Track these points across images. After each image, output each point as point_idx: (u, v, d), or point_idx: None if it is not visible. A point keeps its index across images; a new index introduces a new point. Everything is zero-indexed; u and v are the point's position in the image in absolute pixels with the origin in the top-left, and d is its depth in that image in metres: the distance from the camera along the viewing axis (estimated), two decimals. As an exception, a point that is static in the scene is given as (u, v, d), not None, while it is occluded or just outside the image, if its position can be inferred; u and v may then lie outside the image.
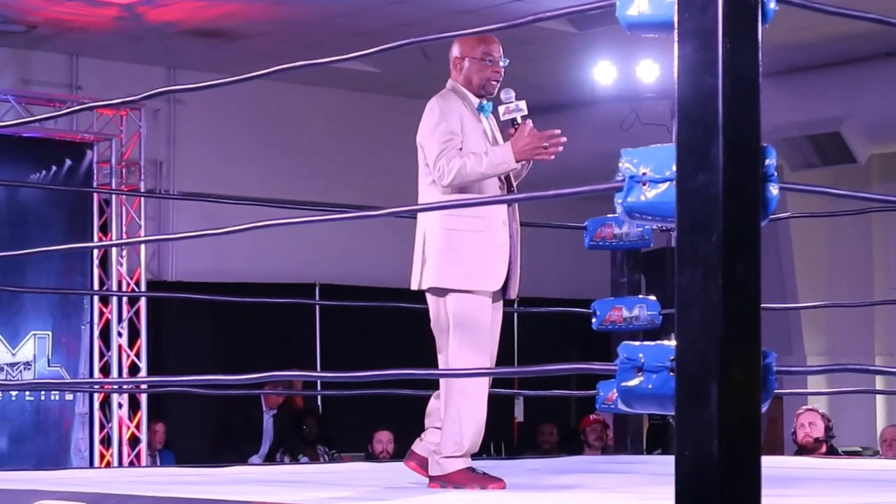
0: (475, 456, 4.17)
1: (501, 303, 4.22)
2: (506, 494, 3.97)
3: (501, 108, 4.20)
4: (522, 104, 4.18)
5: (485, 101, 4.23)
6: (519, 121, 4.18)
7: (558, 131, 4.12)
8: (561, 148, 4.12)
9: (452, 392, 4.04)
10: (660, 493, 3.21)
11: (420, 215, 4.21)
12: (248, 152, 10.63)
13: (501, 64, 4.21)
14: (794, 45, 9.53)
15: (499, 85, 4.23)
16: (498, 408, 10.42)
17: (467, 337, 4.05)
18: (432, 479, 4.10)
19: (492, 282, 4.12)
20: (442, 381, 4.13)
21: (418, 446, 4.25)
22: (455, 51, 4.21)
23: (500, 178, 4.18)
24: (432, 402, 4.25)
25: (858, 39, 9.53)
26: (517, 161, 4.08)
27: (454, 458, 4.05)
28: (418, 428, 4.30)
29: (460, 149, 4.07)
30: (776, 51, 9.36)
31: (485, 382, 4.12)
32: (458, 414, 4.03)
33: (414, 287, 4.18)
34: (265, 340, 10.01)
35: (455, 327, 4.06)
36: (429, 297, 4.17)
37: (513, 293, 4.21)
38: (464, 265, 4.07)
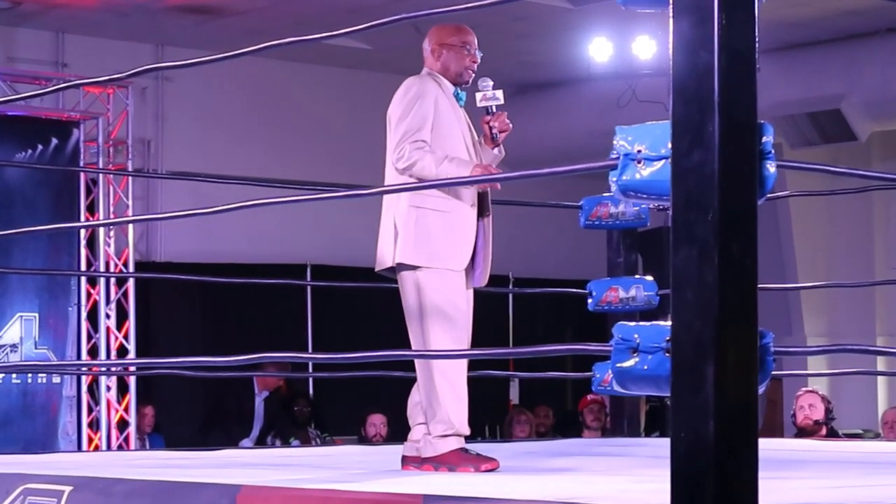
0: (469, 438, 4.15)
1: (472, 291, 4.21)
2: (498, 476, 3.93)
3: (478, 95, 4.25)
4: (499, 93, 4.25)
5: (460, 90, 4.26)
6: (494, 110, 4.24)
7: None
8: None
9: (433, 374, 4.04)
10: (656, 476, 3.15)
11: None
12: (238, 131, 10.54)
13: (478, 54, 4.25)
14: (794, 22, 9.45)
15: (474, 75, 4.28)
16: (493, 390, 10.43)
17: (443, 316, 4.05)
18: (425, 460, 4.08)
19: (456, 261, 4.11)
20: (419, 367, 4.11)
21: (408, 448, 4.21)
22: (432, 40, 4.26)
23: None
24: (412, 397, 4.22)
25: (859, 15, 9.44)
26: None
27: (446, 436, 4.05)
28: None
29: (425, 142, 4.07)
30: (776, 27, 9.27)
31: (464, 362, 4.12)
32: (441, 394, 4.03)
33: (388, 264, 4.15)
34: (256, 322, 9.95)
35: (430, 307, 4.05)
36: (401, 277, 4.14)
37: (483, 280, 4.21)
38: (431, 243, 4.08)
